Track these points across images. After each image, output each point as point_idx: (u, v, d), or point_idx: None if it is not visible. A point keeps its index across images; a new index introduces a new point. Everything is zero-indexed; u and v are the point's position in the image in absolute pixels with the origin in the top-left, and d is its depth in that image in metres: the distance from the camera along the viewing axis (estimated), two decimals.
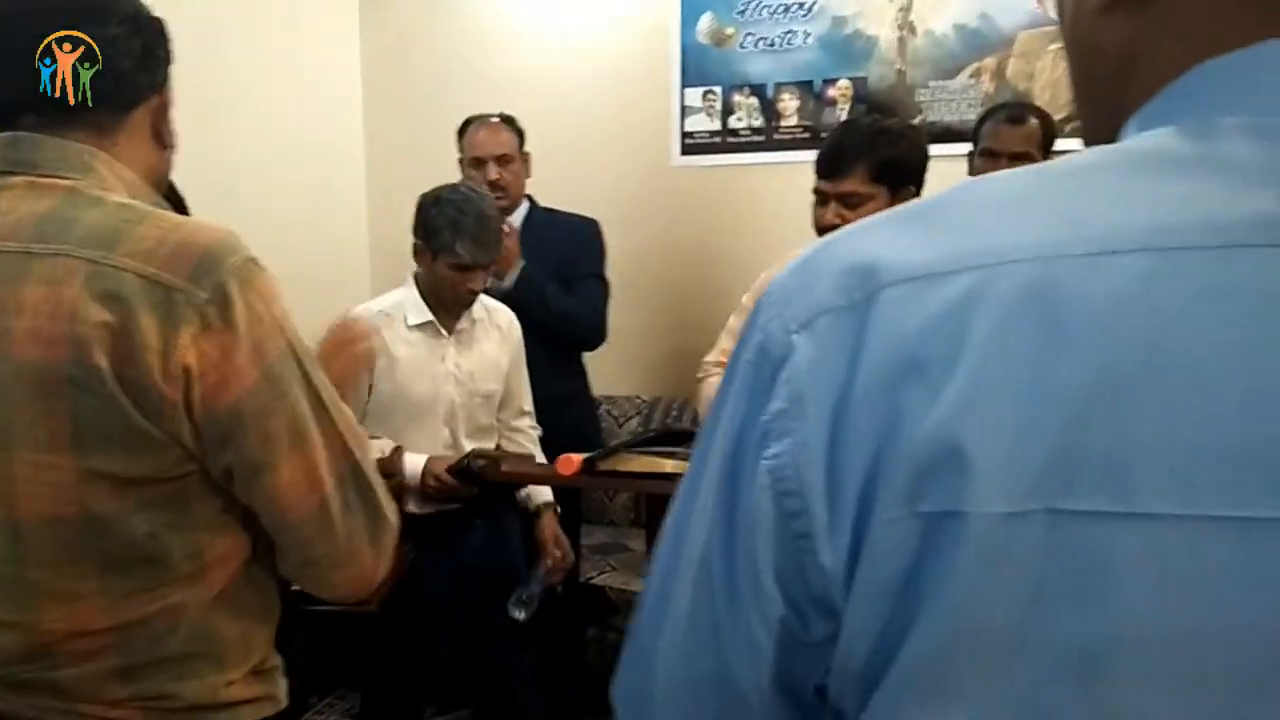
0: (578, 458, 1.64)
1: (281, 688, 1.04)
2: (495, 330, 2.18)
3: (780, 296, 0.43)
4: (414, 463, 1.97)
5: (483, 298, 2.14)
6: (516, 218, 2.51)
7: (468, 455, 1.95)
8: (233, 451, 0.88)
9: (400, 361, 2.02)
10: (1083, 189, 0.41)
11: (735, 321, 2.08)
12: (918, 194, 2.07)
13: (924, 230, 0.41)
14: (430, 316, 2.05)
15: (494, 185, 2.43)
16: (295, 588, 1.05)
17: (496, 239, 2.01)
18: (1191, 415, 0.35)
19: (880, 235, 0.42)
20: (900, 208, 0.44)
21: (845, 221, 2.07)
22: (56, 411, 0.83)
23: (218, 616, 0.94)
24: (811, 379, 0.40)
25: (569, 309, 2.45)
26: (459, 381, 2.09)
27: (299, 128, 3.13)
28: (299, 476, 0.91)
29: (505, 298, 2.34)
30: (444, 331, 2.07)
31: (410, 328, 2.04)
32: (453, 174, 3.00)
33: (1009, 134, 2.20)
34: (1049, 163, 0.44)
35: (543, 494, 2.17)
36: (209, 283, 0.85)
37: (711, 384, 2.01)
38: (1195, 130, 0.41)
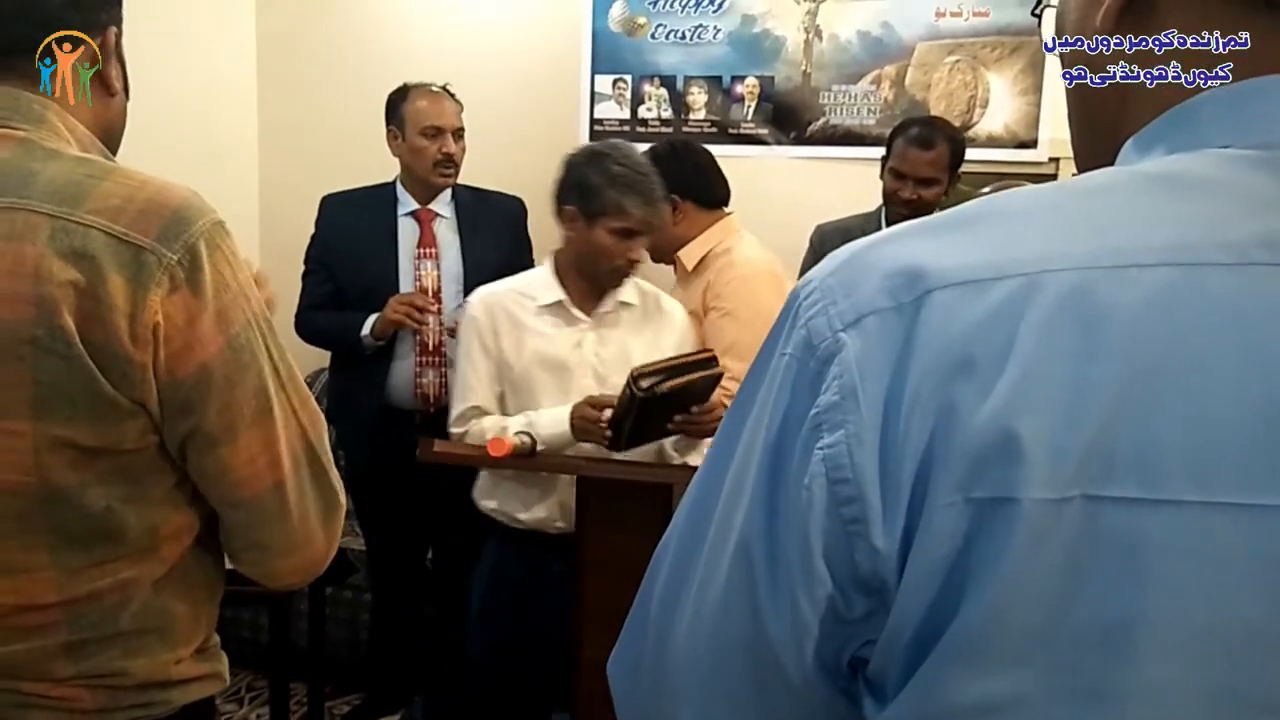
0: (509, 441, 1.63)
1: (224, 665, 1.01)
2: (657, 316, 1.89)
3: (823, 295, 0.46)
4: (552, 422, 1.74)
5: (640, 281, 1.89)
6: (443, 204, 2.46)
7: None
8: (192, 421, 0.85)
9: (528, 347, 1.79)
10: (1108, 206, 0.46)
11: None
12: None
13: (963, 238, 0.45)
14: (561, 295, 1.80)
15: (449, 159, 2.37)
16: None
17: (663, 198, 1.79)
18: (1212, 412, 0.40)
19: (922, 242, 0.46)
20: (930, 218, 0.48)
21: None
22: (17, 375, 0.78)
23: (169, 593, 0.91)
24: (862, 374, 0.44)
25: None
26: (598, 374, 1.81)
27: (191, 105, 2.97)
28: (257, 452, 0.89)
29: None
30: (581, 315, 1.82)
31: (541, 308, 1.80)
32: (347, 155, 2.91)
33: (916, 158, 2.27)
34: (1072, 180, 0.49)
35: None
36: (179, 244, 0.82)
37: None
38: (1200, 156, 0.46)
